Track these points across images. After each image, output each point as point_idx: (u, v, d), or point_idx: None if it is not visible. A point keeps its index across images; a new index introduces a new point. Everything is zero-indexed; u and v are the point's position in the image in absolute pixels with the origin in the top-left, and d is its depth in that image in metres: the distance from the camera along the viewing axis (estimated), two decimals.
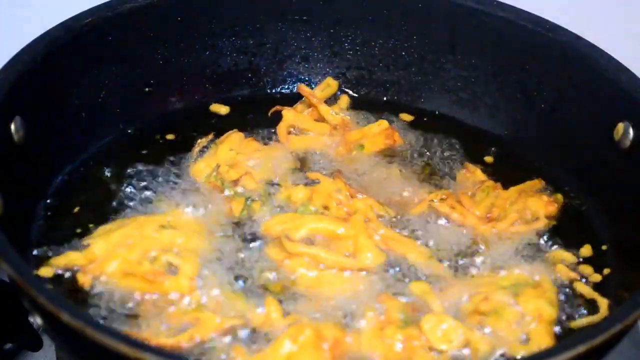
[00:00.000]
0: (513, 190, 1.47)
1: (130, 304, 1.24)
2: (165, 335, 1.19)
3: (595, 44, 1.50)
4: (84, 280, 1.26)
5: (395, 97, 1.68)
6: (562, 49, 1.52)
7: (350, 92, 1.67)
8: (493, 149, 1.59)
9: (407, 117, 1.63)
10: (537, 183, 1.50)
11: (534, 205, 1.44)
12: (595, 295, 1.32)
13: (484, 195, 1.46)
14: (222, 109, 1.60)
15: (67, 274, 1.28)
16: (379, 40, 1.65)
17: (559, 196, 1.49)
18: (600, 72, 1.47)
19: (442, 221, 1.42)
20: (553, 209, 1.45)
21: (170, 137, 1.55)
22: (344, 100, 1.64)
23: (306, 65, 1.67)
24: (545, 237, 1.41)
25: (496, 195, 1.46)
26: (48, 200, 1.40)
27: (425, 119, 1.63)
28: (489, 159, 1.57)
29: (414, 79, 1.66)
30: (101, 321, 1.21)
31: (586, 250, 1.40)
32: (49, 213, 1.38)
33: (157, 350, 1.04)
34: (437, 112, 1.65)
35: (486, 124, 1.63)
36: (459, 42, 1.62)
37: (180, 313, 1.23)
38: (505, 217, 1.42)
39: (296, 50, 1.66)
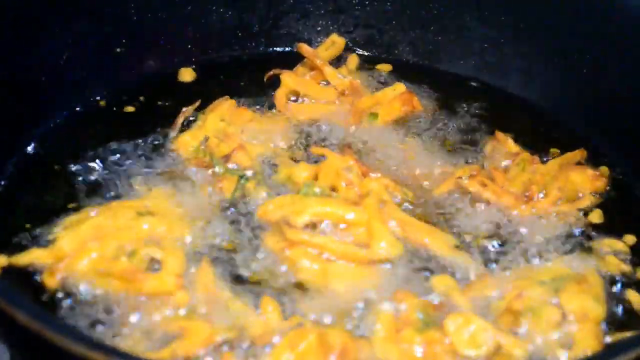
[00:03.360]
0: (552, 163, 1.43)
1: (105, 309, 1.18)
2: (145, 347, 1.12)
3: None
4: (50, 281, 1.20)
5: (410, 61, 1.64)
6: (607, 1, 1.49)
7: (360, 52, 1.64)
8: (526, 117, 1.55)
9: (386, 67, 1.60)
10: (579, 154, 1.46)
11: (578, 180, 1.41)
12: None
13: (519, 170, 1.41)
14: (187, 75, 1.56)
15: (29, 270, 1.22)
16: None
17: (605, 169, 1.45)
18: None
19: (471, 202, 1.37)
20: (600, 183, 1.42)
21: (146, 106, 1.51)
22: (353, 61, 1.61)
23: (306, 23, 1.64)
24: (591, 223, 1.35)
25: (533, 170, 1.42)
26: (2, 182, 1.34)
27: (446, 84, 1.59)
28: (521, 128, 1.51)
29: (433, 39, 1.63)
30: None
31: (631, 239, 1.33)
32: (3, 196, 1.32)
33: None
34: (459, 76, 1.62)
35: (517, 90, 1.59)
36: None
37: (165, 320, 1.17)
38: (546, 196, 1.37)
39: (294, 4, 1.63)
